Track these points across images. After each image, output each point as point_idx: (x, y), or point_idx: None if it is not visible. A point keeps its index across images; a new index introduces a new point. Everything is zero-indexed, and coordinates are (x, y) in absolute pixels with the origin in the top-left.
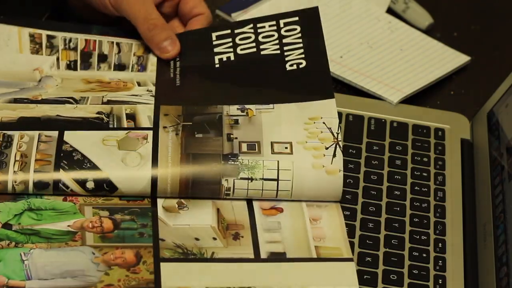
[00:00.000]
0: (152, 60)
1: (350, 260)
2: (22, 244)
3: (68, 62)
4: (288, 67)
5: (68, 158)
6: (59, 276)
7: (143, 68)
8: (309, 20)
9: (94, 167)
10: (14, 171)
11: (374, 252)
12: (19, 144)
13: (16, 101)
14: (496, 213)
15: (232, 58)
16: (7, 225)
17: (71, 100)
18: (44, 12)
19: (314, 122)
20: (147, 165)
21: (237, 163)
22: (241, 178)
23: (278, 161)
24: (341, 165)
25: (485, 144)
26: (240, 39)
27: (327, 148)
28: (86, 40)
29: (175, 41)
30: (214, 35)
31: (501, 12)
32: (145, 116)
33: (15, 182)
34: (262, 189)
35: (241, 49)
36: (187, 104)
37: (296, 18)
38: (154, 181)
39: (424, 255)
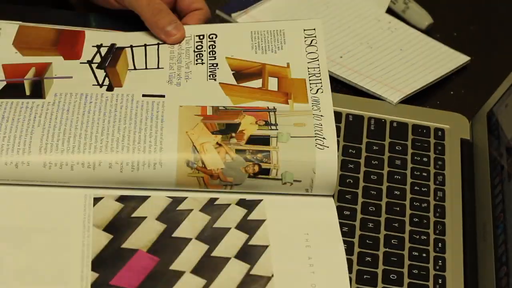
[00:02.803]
0: None
1: None
2: None
3: None
4: None
5: None
6: None
7: None
8: None
9: None
10: None
11: (374, 252)
12: None
13: None
14: (495, 213)
15: None
16: None
17: None
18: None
19: None
20: None
21: None
22: None
23: None
24: None
25: (485, 144)
26: None
27: None
28: None
29: (179, 25)
30: None
31: (500, 12)
32: None
33: None
34: None
35: None
36: None
37: None
38: None
39: (424, 255)
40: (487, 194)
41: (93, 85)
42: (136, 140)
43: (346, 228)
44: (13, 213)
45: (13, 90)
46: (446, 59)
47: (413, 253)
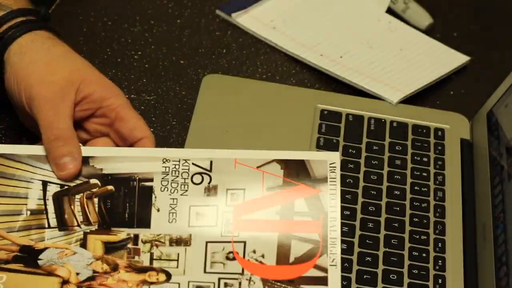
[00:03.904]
0: None
1: None
2: None
3: None
4: None
5: None
6: None
7: None
8: None
9: None
10: None
11: (374, 252)
12: None
13: None
14: (495, 213)
15: None
16: None
17: None
18: None
19: None
20: None
21: None
22: None
23: None
24: None
25: (485, 144)
26: None
27: None
28: None
29: (75, 159)
30: None
31: (500, 12)
32: None
33: None
34: None
35: None
36: None
37: None
38: None
39: (424, 255)
40: (487, 194)
41: None
42: None
43: (346, 228)
44: None
45: None
46: (446, 59)
47: (413, 253)
